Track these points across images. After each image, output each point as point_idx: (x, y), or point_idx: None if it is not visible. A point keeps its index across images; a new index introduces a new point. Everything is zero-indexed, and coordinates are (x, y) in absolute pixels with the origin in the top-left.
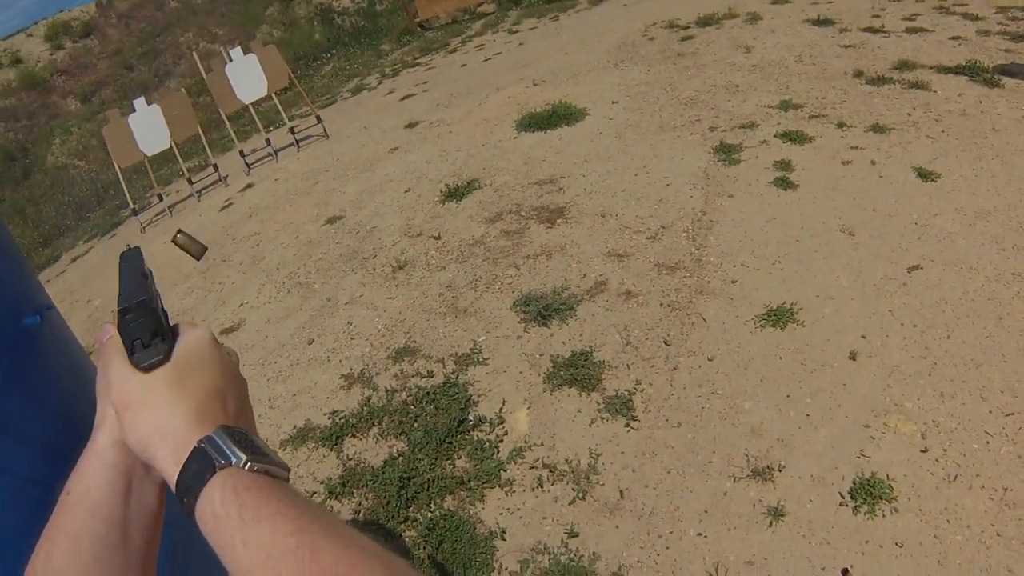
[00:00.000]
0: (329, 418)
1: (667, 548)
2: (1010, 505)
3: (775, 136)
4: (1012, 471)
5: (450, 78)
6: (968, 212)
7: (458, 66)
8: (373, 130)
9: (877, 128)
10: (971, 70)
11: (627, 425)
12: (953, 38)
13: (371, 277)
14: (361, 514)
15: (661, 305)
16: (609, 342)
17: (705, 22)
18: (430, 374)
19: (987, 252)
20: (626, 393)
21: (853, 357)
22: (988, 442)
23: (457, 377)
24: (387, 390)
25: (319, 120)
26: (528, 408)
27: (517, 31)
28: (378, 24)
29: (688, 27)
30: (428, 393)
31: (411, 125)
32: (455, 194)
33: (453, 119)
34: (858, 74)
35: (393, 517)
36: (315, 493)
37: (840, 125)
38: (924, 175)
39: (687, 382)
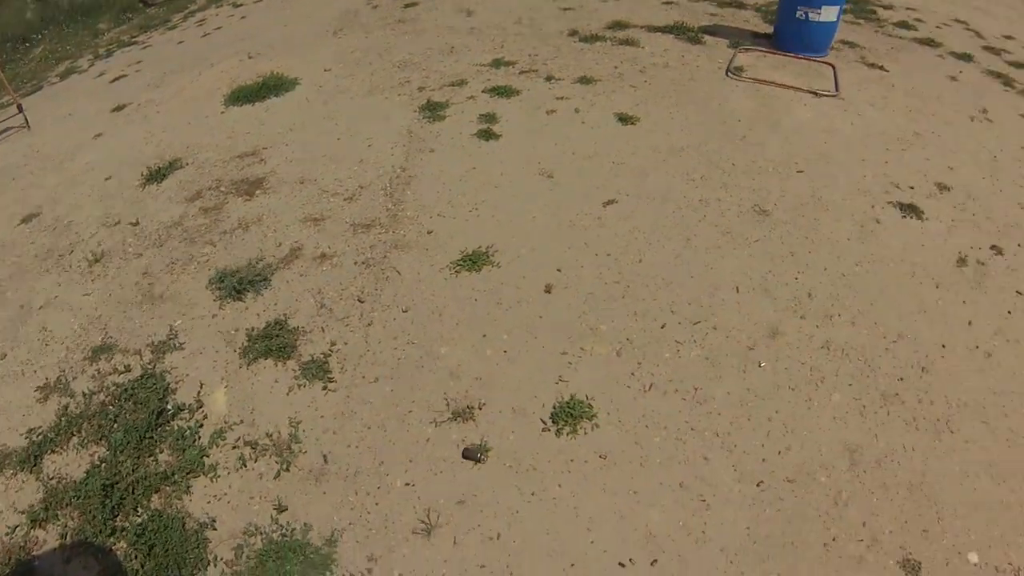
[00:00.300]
0: (25, 437)
1: (376, 504)
2: (701, 401)
3: (483, 91)
4: (701, 371)
5: (165, 56)
6: (662, 149)
7: (175, 43)
8: (78, 116)
9: (584, 80)
10: (678, 30)
11: (324, 388)
12: (666, 3)
13: (67, 275)
14: (68, 537)
15: (355, 264)
16: (303, 307)
17: None
18: (127, 368)
19: (678, 183)
20: (321, 356)
21: (548, 290)
22: (679, 350)
23: (154, 367)
24: (84, 394)
25: (20, 109)
26: (225, 387)
27: (241, 4)
28: (98, 0)
29: None
30: (126, 389)
31: (119, 108)
32: (156, 176)
33: (162, 99)
34: (573, 33)
35: (101, 532)
36: (17, 526)
37: (549, 79)
38: (624, 120)
39: (382, 336)
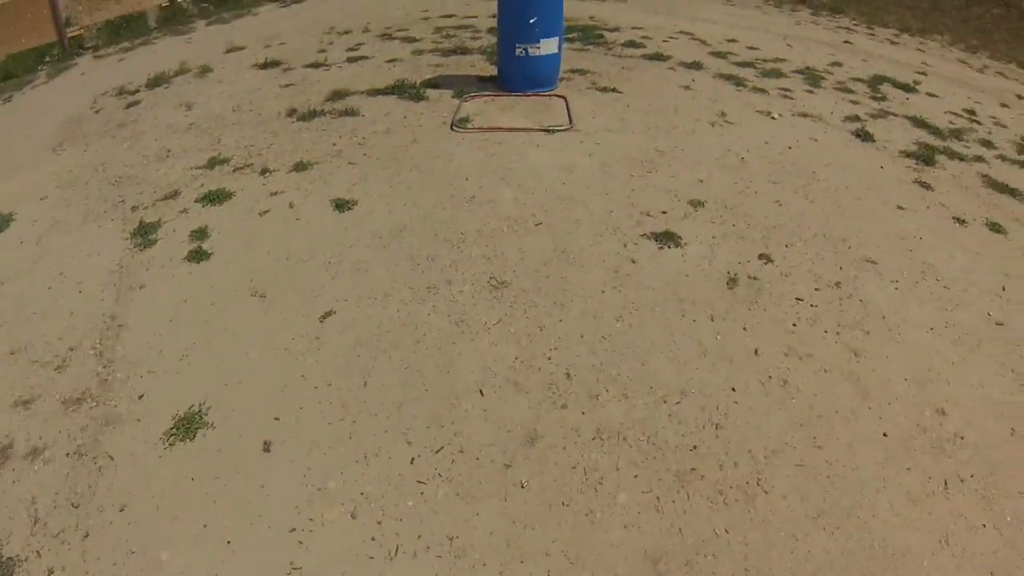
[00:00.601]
0: None
1: None
2: (459, 555)
3: (196, 201)
4: (454, 513)
5: None
6: (384, 233)
7: None
8: None
9: (300, 166)
10: (400, 89)
11: None
12: (390, 61)
13: None
14: None
15: (68, 455)
16: (18, 527)
17: (155, 83)
18: None
19: (402, 272)
20: None
21: (267, 448)
22: (423, 492)
23: None
24: None
25: None
26: None
27: None
28: None
29: (138, 91)
30: None
31: None
32: None
33: None
34: (291, 113)
35: None
36: None
37: (264, 172)
38: (341, 205)
39: (101, 548)
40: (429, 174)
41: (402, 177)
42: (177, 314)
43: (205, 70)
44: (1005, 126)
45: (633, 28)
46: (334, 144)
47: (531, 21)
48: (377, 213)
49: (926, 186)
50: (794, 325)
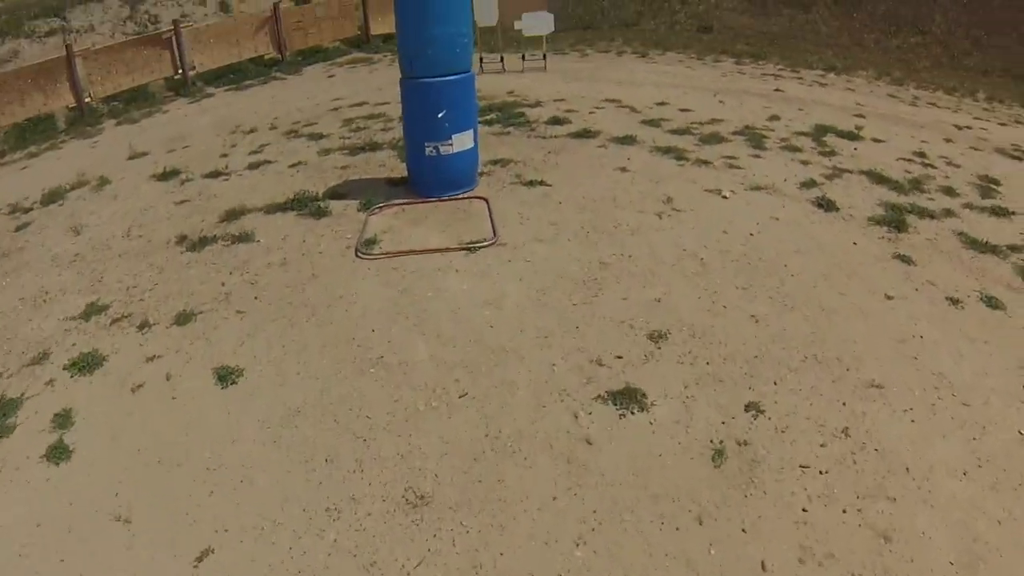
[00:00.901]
0: None
1: None
2: None
3: (65, 367)
4: None
5: None
6: (274, 420)
7: None
8: None
9: (183, 318)
10: (300, 203)
11: None
12: (293, 165)
13: None
14: None
15: None
16: None
17: (50, 198)
18: None
19: (294, 484)
20: None
21: None
22: None
23: None
24: None
25: None
26: None
27: None
28: None
29: (31, 209)
30: None
31: None
32: None
33: None
34: (181, 240)
35: None
36: None
37: (143, 326)
38: (225, 377)
39: None
40: (328, 325)
41: (296, 331)
42: (27, 546)
43: (103, 183)
44: (958, 165)
45: (556, 101)
46: (223, 284)
47: (440, 115)
48: (266, 388)
49: (907, 260)
50: (804, 510)
